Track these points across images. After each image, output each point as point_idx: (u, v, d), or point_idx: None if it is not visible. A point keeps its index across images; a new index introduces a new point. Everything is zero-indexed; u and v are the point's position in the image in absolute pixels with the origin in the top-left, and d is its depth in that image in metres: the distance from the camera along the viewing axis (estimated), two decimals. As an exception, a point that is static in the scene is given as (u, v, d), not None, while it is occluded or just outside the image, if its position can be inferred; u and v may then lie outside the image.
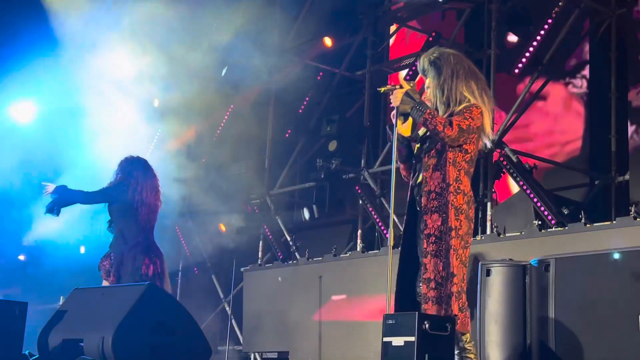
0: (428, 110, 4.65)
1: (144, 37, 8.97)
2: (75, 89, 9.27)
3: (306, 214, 9.96)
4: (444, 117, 4.71)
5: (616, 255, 5.07)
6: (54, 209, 6.51)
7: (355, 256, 8.72)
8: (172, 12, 8.91)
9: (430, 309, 4.55)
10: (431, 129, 4.66)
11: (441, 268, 4.59)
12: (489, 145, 4.94)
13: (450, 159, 4.67)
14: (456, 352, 4.59)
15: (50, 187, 6.53)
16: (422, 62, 4.93)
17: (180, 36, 9.13)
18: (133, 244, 6.56)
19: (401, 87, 4.79)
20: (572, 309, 5.09)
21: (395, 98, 4.77)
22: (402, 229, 4.96)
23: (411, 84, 4.82)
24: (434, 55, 4.89)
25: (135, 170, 6.66)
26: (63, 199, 6.52)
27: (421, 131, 4.88)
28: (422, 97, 4.86)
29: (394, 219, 4.90)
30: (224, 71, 9.96)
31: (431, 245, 4.64)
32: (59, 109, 9.96)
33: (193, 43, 9.29)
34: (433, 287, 4.59)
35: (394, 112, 4.79)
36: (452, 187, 4.65)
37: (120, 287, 6.20)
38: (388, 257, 4.70)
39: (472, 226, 4.73)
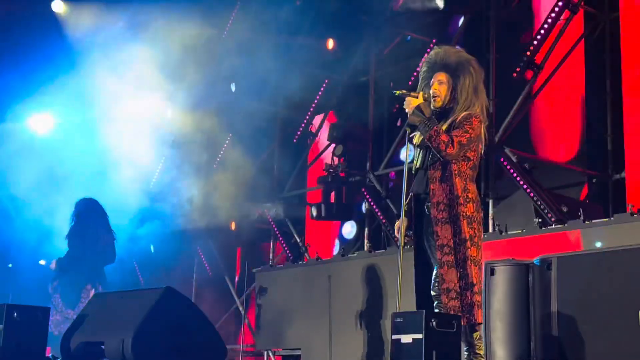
0: (435, 128, 4.73)
1: (157, 50, 9.18)
2: (91, 101, 9.49)
3: (314, 211, 10.13)
4: (448, 122, 4.83)
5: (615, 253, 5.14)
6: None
7: (363, 256, 8.91)
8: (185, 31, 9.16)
9: None
10: (434, 146, 4.74)
11: (459, 278, 4.67)
12: (482, 149, 5.03)
13: (455, 170, 4.76)
14: (465, 348, 4.72)
15: (53, 264, 7.37)
16: (453, 58, 4.92)
17: (191, 46, 9.33)
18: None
19: (416, 96, 4.86)
20: (574, 306, 5.13)
21: (409, 104, 4.85)
22: (409, 235, 5.02)
23: (426, 95, 4.89)
24: (463, 56, 4.93)
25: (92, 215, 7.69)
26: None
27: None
28: (432, 89, 4.89)
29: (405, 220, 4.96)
30: (232, 86, 10.16)
31: (446, 256, 4.70)
32: (75, 121, 10.20)
33: (201, 53, 9.50)
34: (453, 297, 4.67)
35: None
36: (461, 198, 4.72)
37: (138, 291, 6.44)
38: (397, 256, 4.83)
39: (481, 229, 4.82)
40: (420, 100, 4.84)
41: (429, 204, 4.83)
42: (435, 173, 4.81)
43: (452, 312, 4.62)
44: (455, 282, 4.67)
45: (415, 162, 4.98)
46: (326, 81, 10.75)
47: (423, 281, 4.93)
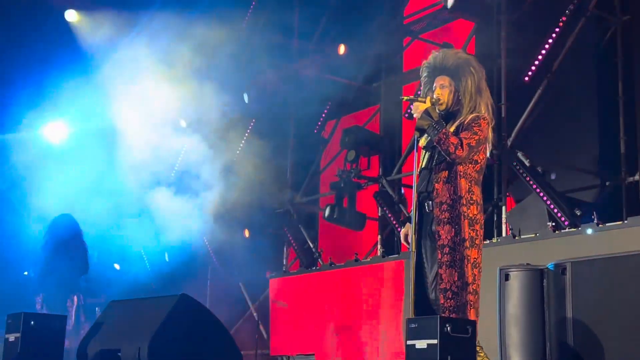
0: (443, 130, 4.76)
1: (171, 57, 9.24)
2: (106, 109, 9.56)
3: (327, 211, 10.16)
4: (454, 125, 4.86)
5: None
6: None
7: (376, 261, 8.94)
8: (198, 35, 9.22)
9: None
10: (444, 148, 4.77)
11: (456, 278, 4.70)
12: (489, 151, 5.06)
13: (461, 172, 4.79)
14: None
15: None
16: (452, 61, 4.93)
17: (208, 54, 9.39)
18: None
19: (424, 100, 4.88)
20: (589, 311, 5.10)
21: (417, 109, 4.87)
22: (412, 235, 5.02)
23: (433, 100, 4.91)
24: (462, 57, 4.94)
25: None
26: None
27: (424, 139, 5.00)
28: (435, 93, 4.91)
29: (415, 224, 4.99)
30: (245, 97, 10.21)
31: (445, 255, 4.74)
32: (89, 129, 10.28)
33: (215, 59, 9.55)
34: (450, 297, 4.71)
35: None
36: (464, 199, 4.76)
37: (154, 299, 6.49)
38: (410, 261, 4.88)
39: (483, 231, 4.83)
40: (427, 104, 4.87)
41: (430, 202, 4.86)
42: (441, 173, 4.84)
43: (447, 313, 4.67)
44: (453, 282, 4.71)
45: (421, 162, 5.01)
46: (338, 87, 10.79)
47: (421, 281, 4.93)
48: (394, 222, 9.56)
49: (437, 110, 4.88)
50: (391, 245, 9.88)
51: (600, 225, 6.91)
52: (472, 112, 4.88)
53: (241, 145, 11.14)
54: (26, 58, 11.17)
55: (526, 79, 8.44)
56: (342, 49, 10.57)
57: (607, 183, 8.55)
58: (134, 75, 9.36)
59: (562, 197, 8.03)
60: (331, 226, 10.63)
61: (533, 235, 7.42)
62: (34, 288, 8.15)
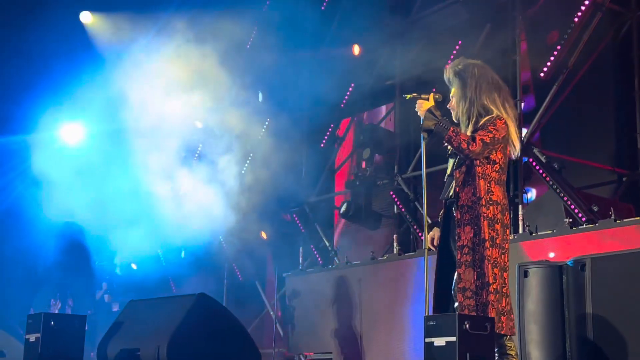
0: (452, 128, 4.79)
1: (187, 59, 9.27)
2: (122, 110, 9.61)
3: (344, 207, 10.18)
4: (468, 132, 4.86)
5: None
6: None
7: (393, 259, 8.94)
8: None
9: None
10: (455, 145, 4.80)
11: (476, 277, 4.73)
12: (515, 154, 5.03)
13: (479, 173, 4.81)
14: (496, 349, 4.72)
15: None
16: (447, 73, 5.06)
17: (222, 55, 9.43)
18: None
19: (427, 98, 4.93)
20: (609, 307, 5.11)
21: (420, 107, 4.93)
22: (434, 241, 5.07)
23: (436, 97, 4.95)
24: (459, 66, 5.01)
25: None
26: None
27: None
28: (448, 105, 5.00)
29: (427, 221, 5.07)
30: (260, 96, 10.24)
31: (465, 256, 4.77)
32: (106, 130, 10.34)
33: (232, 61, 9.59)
34: (469, 296, 4.73)
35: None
36: (483, 200, 4.78)
37: (172, 298, 6.54)
38: (424, 258, 4.89)
39: (508, 232, 4.84)
40: (431, 102, 4.92)
41: (456, 206, 4.88)
42: (460, 176, 4.88)
43: (466, 311, 4.67)
44: (472, 281, 4.72)
45: (448, 170, 5.05)
46: (352, 85, 10.78)
47: (444, 282, 4.96)
48: (410, 219, 9.55)
49: (439, 110, 4.91)
50: (407, 243, 9.88)
51: (617, 221, 6.88)
52: (483, 116, 4.90)
53: (257, 143, 11.16)
54: (43, 60, 11.24)
55: (542, 74, 8.40)
56: (356, 50, 10.57)
57: (624, 179, 8.52)
58: (150, 76, 9.39)
59: (579, 193, 7.99)
60: (347, 224, 10.64)
61: (550, 231, 7.40)
62: (57, 290, 8.24)
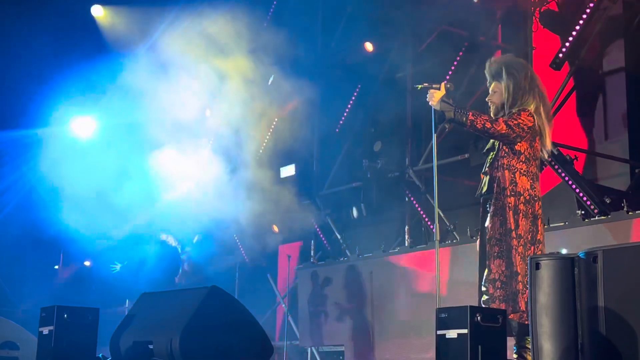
0: (471, 112, 4.84)
1: (199, 51, 9.28)
2: (133, 104, 9.62)
3: (355, 212, 10.20)
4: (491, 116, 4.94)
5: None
6: None
7: (404, 251, 8.95)
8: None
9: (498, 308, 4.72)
10: (480, 127, 4.83)
11: (504, 268, 4.77)
12: (546, 150, 5.05)
13: (504, 164, 4.87)
14: (514, 342, 4.79)
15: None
16: (493, 67, 5.09)
17: (230, 48, 9.42)
18: None
19: (438, 87, 4.95)
20: (621, 299, 4.97)
21: (432, 97, 4.95)
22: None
23: (448, 86, 4.98)
24: (504, 61, 5.09)
25: None
26: None
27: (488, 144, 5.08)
28: (487, 99, 5.06)
29: (439, 214, 5.10)
30: (270, 79, 10.23)
31: (494, 247, 4.83)
32: (118, 124, 10.36)
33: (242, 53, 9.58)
34: (499, 287, 4.78)
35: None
36: (507, 190, 4.83)
37: (184, 291, 6.52)
38: (436, 251, 4.91)
39: (539, 222, 4.83)
40: (442, 91, 4.95)
41: (489, 202, 4.97)
42: (490, 172, 4.95)
43: (497, 302, 4.70)
44: (501, 272, 4.76)
45: (483, 167, 5.13)
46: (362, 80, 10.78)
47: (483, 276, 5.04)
48: (421, 211, 9.53)
49: (451, 98, 4.95)
50: (418, 236, 9.87)
51: (630, 213, 6.86)
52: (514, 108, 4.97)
53: (267, 138, 11.17)
54: (55, 54, 11.26)
55: (554, 65, 8.35)
56: (369, 47, 10.56)
57: (637, 170, 8.47)
58: (161, 70, 9.40)
59: (592, 185, 7.96)
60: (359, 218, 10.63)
61: (562, 223, 7.38)
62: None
